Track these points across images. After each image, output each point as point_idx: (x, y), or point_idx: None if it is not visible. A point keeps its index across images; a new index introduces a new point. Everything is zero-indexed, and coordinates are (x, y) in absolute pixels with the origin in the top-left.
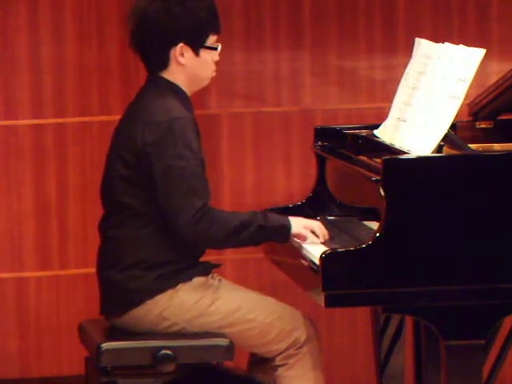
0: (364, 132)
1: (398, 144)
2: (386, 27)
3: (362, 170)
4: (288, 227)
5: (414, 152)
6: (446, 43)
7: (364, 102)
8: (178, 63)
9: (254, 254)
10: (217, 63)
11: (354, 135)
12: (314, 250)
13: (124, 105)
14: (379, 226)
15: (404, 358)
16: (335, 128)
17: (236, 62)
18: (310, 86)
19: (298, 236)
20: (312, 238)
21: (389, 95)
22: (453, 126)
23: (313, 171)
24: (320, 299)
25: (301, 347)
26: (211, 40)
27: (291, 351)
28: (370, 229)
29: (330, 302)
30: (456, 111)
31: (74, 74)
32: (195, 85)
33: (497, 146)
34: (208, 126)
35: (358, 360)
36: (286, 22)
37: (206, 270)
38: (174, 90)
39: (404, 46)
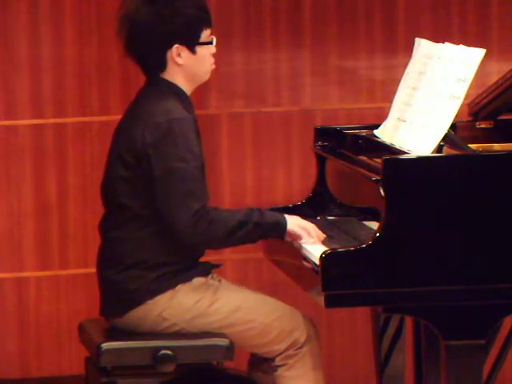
0: (364, 132)
1: (398, 144)
2: (385, 27)
3: (362, 170)
4: (283, 224)
5: (414, 152)
6: (446, 43)
7: (364, 101)
8: (176, 64)
9: (254, 254)
10: (214, 55)
11: (354, 135)
12: (314, 250)
13: (124, 105)
14: (379, 226)
15: (404, 358)
16: (335, 128)
17: (236, 62)
18: (309, 86)
19: (293, 234)
20: (307, 239)
21: (389, 95)
22: (453, 126)
23: (313, 171)
24: (320, 299)
25: (301, 347)
26: (205, 35)
27: (291, 351)
28: (370, 229)
29: (330, 302)
30: (456, 111)
31: (73, 74)
32: (196, 82)
33: (497, 146)
34: (208, 125)
35: (358, 360)
36: (285, 21)
37: (206, 270)
38: (175, 90)
39: (404, 46)
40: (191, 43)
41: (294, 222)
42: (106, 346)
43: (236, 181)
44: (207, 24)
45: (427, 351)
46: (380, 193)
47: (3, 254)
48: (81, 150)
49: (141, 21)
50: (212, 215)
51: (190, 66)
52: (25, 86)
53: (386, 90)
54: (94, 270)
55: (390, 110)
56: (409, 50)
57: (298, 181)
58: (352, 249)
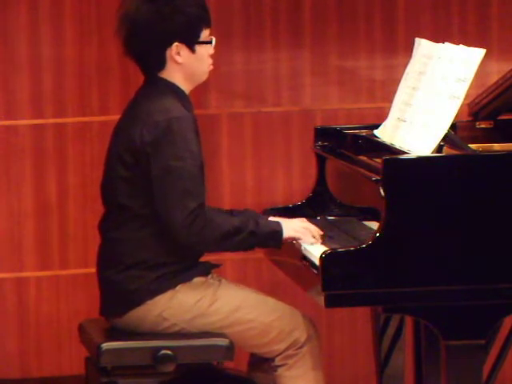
0: (364, 132)
1: (398, 144)
2: (386, 27)
3: (362, 170)
4: (280, 233)
5: (414, 152)
6: (446, 43)
7: (364, 101)
8: (175, 62)
9: (254, 254)
10: (212, 56)
11: (354, 135)
12: (314, 250)
13: (124, 105)
14: (379, 226)
15: (404, 358)
16: (335, 128)
17: (236, 62)
18: (309, 86)
19: (290, 239)
20: (305, 240)
21: (389, 95)
22: (453, 126)
23: (313, 171)
24: (320, 299)
25: (301, 347)
26: (204, 34)
27: (291, 351)
28: (370, 229)
29: (330, 302)
30: (456, 111)
31: (73, 74)
32: (194, 81)
33: (497, 146)
34: (208, 125)
35: (358, 360)
36: (285, 21)
37: (206, 270)
38: (173, 89)
39: (404, 46)
40: (191, 42)
41: (290, 228)
42: (106, 346)
43: (236, 181)
44: (207, 24)
45: (427, 351)
46: (380, 193)
47: (3, 253)
48: (81, 150)
49: (141, 19)
50: (208, 217)
51: (189, 65)
52: (25, 85)
53: (386, 90)
54: (93, 270)
55: (390, 110)
56: (409, 50)
57: (298, 181)
58: (352, 249)
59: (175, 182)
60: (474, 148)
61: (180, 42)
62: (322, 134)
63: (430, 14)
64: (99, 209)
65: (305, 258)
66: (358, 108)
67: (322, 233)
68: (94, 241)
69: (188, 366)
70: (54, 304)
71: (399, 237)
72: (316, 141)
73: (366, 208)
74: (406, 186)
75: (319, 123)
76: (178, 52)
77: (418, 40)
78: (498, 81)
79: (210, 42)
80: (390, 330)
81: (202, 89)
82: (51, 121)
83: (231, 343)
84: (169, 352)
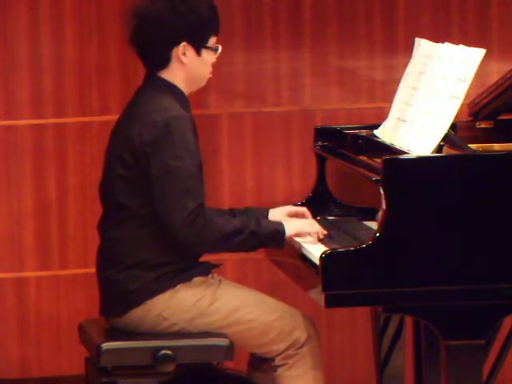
0: (364, 132)
1: (398, 144)
2: (386, 27)
3: (362, 170)
4: (282, 232)
5: (414, 152)
6: (446, 43)
7: (364, 101)
8: (180, 62)
9: (254, 254)
10: (213, 66)
11: (354, 135)
12: (314, 249)
13: (124, 105)
14: (379, 226)
15: (404, 358)
16: (335, 128)
17: (236, 62)
18: (309, 86)
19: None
20: (308, 239)
21: (389, 95)
22: (453, 126)
23: (313, 171)
24: (320, 299)
25: (301, 347)
26: (212, 41)
27: (291, 351)
28: (370, 229)
29: (330, 302)
30: (456, 111)
31: (73, 74)
32: (193, 85)
33: (497, 146)
34: (208, 125)
35: (358, 360)
36: (285, 21)
37: (206, 270)
38: (172, 89)
39: (404, 46)
40: (198, 44)
41: (293, 228)
42: (106, 346)
43: (236, 181)
44: (216, 31)
45: (427, 351)
46: (380, 193)
47: (3, 253)
48: (81, 150)
49: (155, 13)
50: (208, 218)
51: (192, 67)
52: (25, 85)
53: (386, 90)
54: (93, 270)
55: (390, 110)
56: (409, 50)
57: (298, 181)
58: (352, 249)
59: (175, 182)
60: (474, 148)
61: (188, 42)
62: (322, 133)
63: (429, 14)
64: (99, 209)
65: (305, 258)
66: (357, 108)
67: (325, 232)
68: (94, 241)
69: (188, 366)
70: (54, 304)
71: (399, 237)
72: (316, 141)
73: (366, 208)
74: (406, 185)
75: (319, 123)
76: (184, 52)
77: (417, 40)
78: (498, 81)
79: (216, 50)
80: (390, 330)
81: (202, 89)
82: (51, 121)
83: (231, 343)
84: (169, 352)
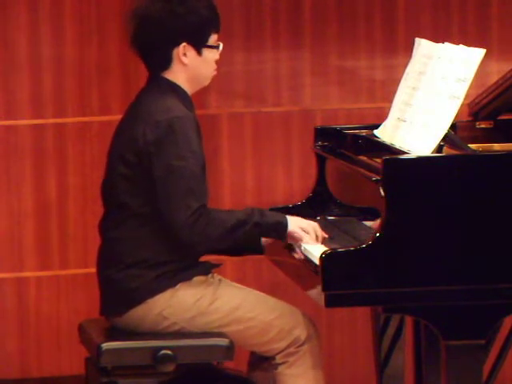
0: (364, 132)
1: (398, 144)
2: (386, 27)
3: (362, 170)
4: (285, 224)
5: (414, 152)
6: (446, 43)
7: (364, 101)
8: (181, 63)
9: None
10: (217, 62)
11: (354, 135)
12: (314, 249)
13: (124, 105)
14: (379, 226)
15: (404, 358)
16: (335, 128)
17: (236, 62)
18: (309, 86)
19: (293, 235)
20: (307, 240)
21: (389, 95)
22: (453, 126)
23: (313, 171)
24: (320, 299)
25: (301, 345)
26: (213, 39)
27: (291, 349)
28: (370, 229)
29: (330, 302)
30: (456, 111)
31: (73, 74)
32: (196, 84)
33: (497, 146)
34: (208, 125)
35: (358, 360)
36: (285, 21)
37: (206, 269)
38: (175, 89)
39: (404, 46)
40: (199, 44)
41: (295, 224)
42: (106, 346)
43: (236, 181)
44: (216, 29)
45: (427, 351)
46: (380, 193)
47: (3, 253)
48: (81, 150)
49: (153, 15)
50: (211, 215)
51: (193, 67)
52: (25, 85)
53: (386, 90)
54: (93, 269)
55: (390, 110)
56: (409, 50)
57: (298, 181)
58: (352, 249)
59: (178, 182)
60: (474, 148)
61: (188, 42)
62: (322, 133)
63: (430, 14)
64: (99, 209)
65: (305, 258)
66: (357, 108)
67: (326, 236)
68: (94, 241)
69: (188, 366)
70: (54, 304)
71: (399, 237)
72: (316, 141)
73: (366, 208)
74: (406, 185)
75: (319, 123)
76: (184, 53)
77: (417, 40)
78: (498, 81)
79: (217, 47)
80: (390, 330)
81: (202, 89)
82: (51, 121)
83: (231, 343)
84: (169, 352)
